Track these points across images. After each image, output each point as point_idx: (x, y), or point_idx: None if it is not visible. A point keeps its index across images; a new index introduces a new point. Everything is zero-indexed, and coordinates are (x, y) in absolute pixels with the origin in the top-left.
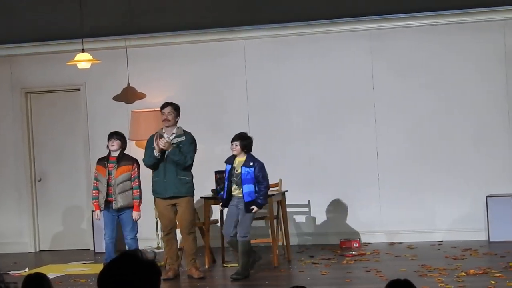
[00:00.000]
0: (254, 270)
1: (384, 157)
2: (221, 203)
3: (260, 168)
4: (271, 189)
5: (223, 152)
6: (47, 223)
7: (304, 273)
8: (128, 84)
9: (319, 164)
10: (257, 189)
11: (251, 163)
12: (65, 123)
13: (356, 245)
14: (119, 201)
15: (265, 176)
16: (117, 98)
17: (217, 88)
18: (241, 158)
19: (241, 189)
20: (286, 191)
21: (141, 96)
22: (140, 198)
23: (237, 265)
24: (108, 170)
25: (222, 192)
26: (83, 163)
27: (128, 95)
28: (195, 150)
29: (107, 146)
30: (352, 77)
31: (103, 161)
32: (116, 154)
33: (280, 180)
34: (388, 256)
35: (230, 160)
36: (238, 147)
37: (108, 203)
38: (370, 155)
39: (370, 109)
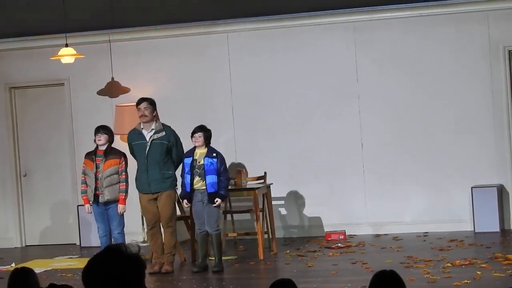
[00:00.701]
0: (240, 263)
1: (369, 148)
2: (185, 200)
3: (221, 159)
4: (256, 182)
5: None
6: (33, 218)
7: (290, 266)
8: (112, 78)
9: (304, 156)
10: (218, 181)
11: (214, 154)
12: (49, 118)
13: (341, 237)
14: (106, 195)
15: (226, 169)
16: (101, 92)
17: (201, 81)
18: (202, 150)
19: (204, 181)
20: (271, 183)
21: (125, 90)
22: (126, 191)
23: (230, 257)
24: (96, 163)
25: (183, 191)
26: (68, 158)
27: (112, 89)
28: (182, 149)
29: (94, 140)
30: (336, 69)
31: (90, 155)
32: (103, 148)
33: (265, 172)
34: (373, 248)
35: (190, 153)
36: (202, 138)
37: (96, 197)
38: (355, 147)
39: (355, 101)
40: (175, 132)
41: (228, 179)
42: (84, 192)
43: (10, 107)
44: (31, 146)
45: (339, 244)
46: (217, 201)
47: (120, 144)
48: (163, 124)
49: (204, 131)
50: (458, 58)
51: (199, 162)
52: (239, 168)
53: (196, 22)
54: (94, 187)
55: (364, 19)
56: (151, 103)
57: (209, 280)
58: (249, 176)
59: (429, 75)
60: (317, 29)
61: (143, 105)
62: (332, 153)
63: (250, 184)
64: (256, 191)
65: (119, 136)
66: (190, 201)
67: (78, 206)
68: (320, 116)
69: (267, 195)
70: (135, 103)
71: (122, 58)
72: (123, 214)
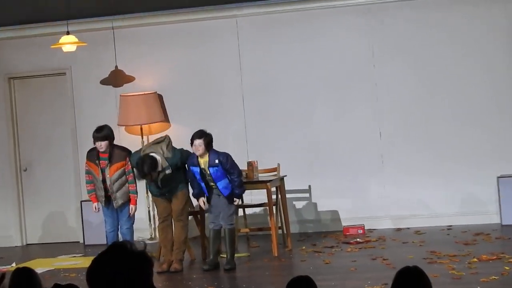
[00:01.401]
0: (253, 260)
1: (388, 138)
2: (201, 198)
3: (226, 159)
4: (269, 174)
5: (217, 137)
6: (34, 215)
7: (306, 263)
8: (116, 67)
9: (319, 147)
10: (230, 180)
11: (216, 161)
12: (51, 109)
13: (360, 231)
14: (118, 199)
15: (233, 165)
16: (104, 81)
17: (209, 69)
18: (204, 158)
19: (217, 186)
20: (285, 176)
21: (130, 79)
22: (136, 192)
23: (243, 254)
24: (101, 167)
25: (196, 189)
26: (71, 151)
27: (116, 78)
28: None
29: (94, 142)
30: (352, 55)
31: (93, 157)
32: (106, 151)
33: (278, 164)
34: (394, 242)
35: (195, 162)
36: (203, 146)
37: (108, 198)
38: (373, 136)
39: (372, 88)
40: (177, 154)
41: (240, 174)
42: (91, 192)
43: (9, 98)
44: (31, 139)
45: (357, 239)
46: (236, 201)
47: (125, 136)
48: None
49: (204, 136)
50: (479, 41)
51: (206, 171)
52: (251, 160)
53: (204, 7)
54: (104, 192)
55: (380, 2)
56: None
57: (220, 278)
58: (261, 168)
59: (452, 59)
60: (331, 12)
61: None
62: (349, 143)
63: (263, 176)
64: (269, 184)
65: (123, 127)
66: (208, 201)
67: (81, 201)
68: (335, 105)
69: (280, 188)
70: (140, 93)
71: (126, 45)
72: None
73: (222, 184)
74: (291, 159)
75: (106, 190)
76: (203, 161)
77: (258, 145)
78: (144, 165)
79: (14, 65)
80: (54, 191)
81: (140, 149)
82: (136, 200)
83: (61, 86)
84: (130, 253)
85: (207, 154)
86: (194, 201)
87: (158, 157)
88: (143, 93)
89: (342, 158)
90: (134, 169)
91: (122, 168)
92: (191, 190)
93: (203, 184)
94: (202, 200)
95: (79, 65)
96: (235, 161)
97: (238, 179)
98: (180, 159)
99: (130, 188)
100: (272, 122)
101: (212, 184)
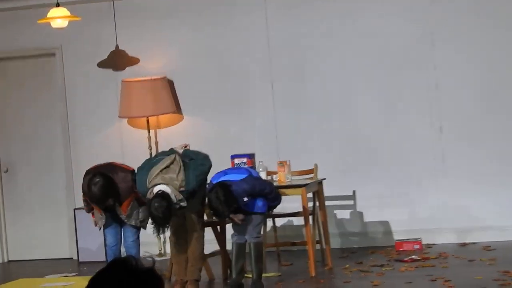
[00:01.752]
0: (285, 281)
1: (450, 133)
2: (238, 217)
3: (249, 186)
4: (304, 177)
5: (241, 132)
6: (17, 226)
7: (350, 285)
8: (117, 46)
9: (366, 144)
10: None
11: (245, 199)
12: (37, 99)
13: (416, 247)
14: (132, 220)
15: (260, 184)
16: (103, 64)
17: (230, 50)
18: None
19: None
20: (324, 179)
21: (133, 61)
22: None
23: (272, 273)
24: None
25: None
26: (61, 149)
27: (117, 60)
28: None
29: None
30: (406, 31)
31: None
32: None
33: (316, 165)
34: (458, 260)
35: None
36: (240, 217)
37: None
38: (431, 131)
39: (430, 72)
40: (192, 176)
41: (272, 189)
42: (90, 211)
43: None
44: (13, 134)
45: (413, 256)
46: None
47: (128, 130)
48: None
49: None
50: None
51: None
52: (282, 160)
53: None
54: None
55: None
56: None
57: None
58: (294, 170)
59: None
60: None
61: None
62: (402, 140)
63: (296, 179)
64: (305, 188)
65: (126, 120)
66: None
67: (75, 209)
68: (385, 93)
69: (318, 194)
70: (145, 78)
71: (129, 21)
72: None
73: (256, 207)
74: (331, 159)
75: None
76: None
77: (290, 142)
78: (158, 216)
79: None
80: (41, 197)
81: (144, 167)
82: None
83: (49, 70)
84: (135, 271)
85: None
86: None
87: (170, 191)
88: (149, 78)
89: (394, 158)
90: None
91: (133, 198)
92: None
93: None
94: (238, 216)
95: (71, 44)
96: (261, 175)
97: (273, 195)
98: (196, 184)
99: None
100: (308, 114)
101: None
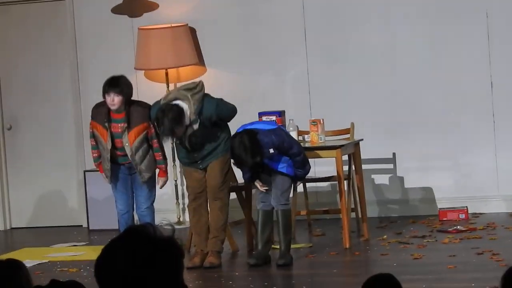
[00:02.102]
0: (316, 253)
1: (502, 90)
2: (258, 183)
3: (278, 138)
4: (339, 137)
5: (270, 85)
6: (21, 190)
7: (388, 258)
8: None
9: (407, 101)
10: (291, 161)
11: (271, 150)
12: (43, 48)
13: (462, 216)
14: (144, 174)
15: (290, 142)
16: (117, 9)
17: None
18: None
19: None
20: (361, 139)
21: (152, 6)
22: (164, 162)
23: (302, 244)
24: (111, 132)
25: (246, 173)
26: (71, 104)
27: (133, 5)
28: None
29: (103, 96)
30: None
31: (101, 117)
32: (120, 110)
33: (352, 124)
34: (508, 232)
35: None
36: (264, 186)
37: (116, 170)
38: (481, 87)
39: (481, 20)
40: (207, 104)
41: (300, 150)
42: (98, 160)
43: None
44: (17, 87)
45: (458, 227)
46: (298, 183)
47: (146, 83)
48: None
49: (254, 163)
50: None
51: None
52: (315, 119)
53: None
54: (110, 164)
55: None
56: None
57: (272, 277)
58: (328, 129)
59: None
60: None
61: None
62: (447, 96)
63: (330, 140)
64: (340, 150)
65: (142, 72)
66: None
67: (85, 172)
68: (429, 45)
69: (355, 157)
70: (164, 25)
71: None
72: (153, 183)
73: (281, 166)
74: (369, 118)
75: (113, 160)
76: None
77: (325, 99)
78: (165, 118)
79: None
80: (47, 158)
81: (160, 100)
82: (166, 171)
83: (58, 16)
84: (153, 240)
85: None
86: (236, 170)
87: (184, 106)
88: (169, 25)
89: (438, 118)
90: (155, 124)
91: (144, 132)
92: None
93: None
94: (259, 183)
95: None
96: (291, 135)
97: (300, 158)
98: (216, 112)
99: (156, 157)
100: (344, 67)
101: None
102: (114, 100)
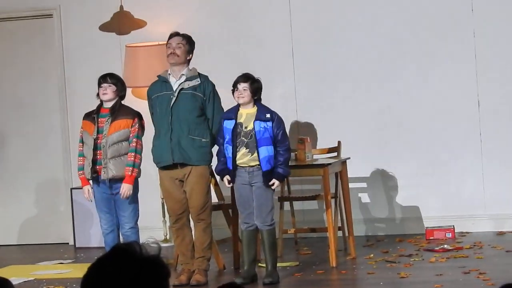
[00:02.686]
0: (303, 271)
1: (489, 107)
2: (226, 176)
3: (278, 121)
4: (327, 155)
5: None
6: (7, 207)
7: (374, 276)
8: (121, 7)
9: (394, 120)
10: (275, 153)
11: (267, 114)
12: (32, 64)
13: (449, 235)
14: (110, 169)
15: (285, 135)
16: (105, 27)
17: (248, 12)
18: (250, 110)
19: (253, 155)
20: (348, 158)
21: (140, 24)
22: (136, 166)
23: (289, 263)
24: (98, 126)
25: (221, 163)
26: (58, 120)
27: (121, 22)
28: (220, 105)
29: (97, 94)
30: None
31: (91, 115)
32: (110, 104)
33: (339, 142)
34: (495, 251)
35: (232, 114)
36: (248, 92)
37: (96, 174)
38: (468, 106)
39: (468, 40)
40: (213, 84)
41: (289, 150)
42: (82, 168)
43: None
44: (4, 102)
45: (445, 246)
46: (273, 183)
47: (132, 100)
48: (199, 73)
49: (252, 81)
50: None
51: (245, 128)
52: (302, 137)
53: None
54: (92, 159)
55: None
56: (189, 41)
57: None
58: (315, 147)
59: None
60: None
61: (176, 40)
62: (434, 114)
63: (318, 158)
64: (327, 168)
65: (130, 89)
66: (233, 180)
67: (71, 189)
68: (418, 62)
69: (342, 175)
70: (152, 43)
71: None
72: (136, 201)
73: (265, 151)
74: (356, 136)
75: (95, 161)
76: (247, 113)
77: (312, 116)
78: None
79: None
80: (34, 174)
81: (159, 75)
82: (132, 177)
83: (46, 33)
84: (139, 259)
85: (255, 106)
86: (222, 186)
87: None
88: (157, 43)
89: (425, 136)
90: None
91: (127, 129)
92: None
93: (229, 151)
94: (227, 178)
95: (70, 4)
96: None
97: (286, 154)
98: (212, 96)
99: (128, 158)
100: (331, 84)
101: (245, 151)
102: (107, 90)
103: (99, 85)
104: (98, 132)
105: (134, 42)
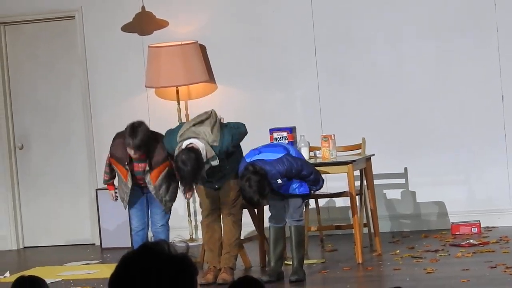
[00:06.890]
0: (329, 268)
1: None
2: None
3: (285, 167)
4: (350, 152)
5: (280, 103)
6: (33, 208)
7: (400, 272)
8: (143, 8)
9: (418, 116)
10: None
11: (279, 181)
12: (54, 66)
13: (475, 230)
14: (169, 203)
15: (298, 166)
16: (127, 28)
17: (271, 13)
18: None
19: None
20: (373, 155)
21: (161, 24)
22: None
23: (315, 260)
24: (132, 170)
25: None
26: (82, 123)
27: (143, 23)
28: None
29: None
30: None
31: (122, 158)
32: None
33: (363, 139)
34: None
35: None
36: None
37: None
38: (492, 101)
39: (491, 36)
40: (228, 136)
41: (311, 171)
42: (108, 182)
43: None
44: (29, 106)
45: (471, 241)
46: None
47: (155, 101)
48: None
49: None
50: None
51: None
52: (326, 134)
53: None
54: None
55: None
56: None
57: None
58: (340, 145)
59: None
60: None
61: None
62: (458, 111)
63: (342, 155)
64: (351, 165)
65: (153, 90)
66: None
67: (97, 190)
68: (440, 59)
69: (366, 172)
70: (175, 43)
71: None
72: None
73: (292, 189)
74: (380, 133)
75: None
76: None
77: (335, 114)
78: (184, 168)
79: (5, 6)
80: (59, 176)
81: (174, 130)
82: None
83: (68, 34)
84: (167, 257)
85: None
86: None
87: (201, 145)
88: (179, 43)
89: (450, 132)
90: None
91: (166, 170)
92: None
93: None
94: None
95: (92, 5)
96: (302, 151)
97: (312, 177)
98: (231, 142)
99: None
100: (354, 83)
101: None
102: (134, 152)
103: (126, 144)
104: (133, 174)
105: (156, 43)
